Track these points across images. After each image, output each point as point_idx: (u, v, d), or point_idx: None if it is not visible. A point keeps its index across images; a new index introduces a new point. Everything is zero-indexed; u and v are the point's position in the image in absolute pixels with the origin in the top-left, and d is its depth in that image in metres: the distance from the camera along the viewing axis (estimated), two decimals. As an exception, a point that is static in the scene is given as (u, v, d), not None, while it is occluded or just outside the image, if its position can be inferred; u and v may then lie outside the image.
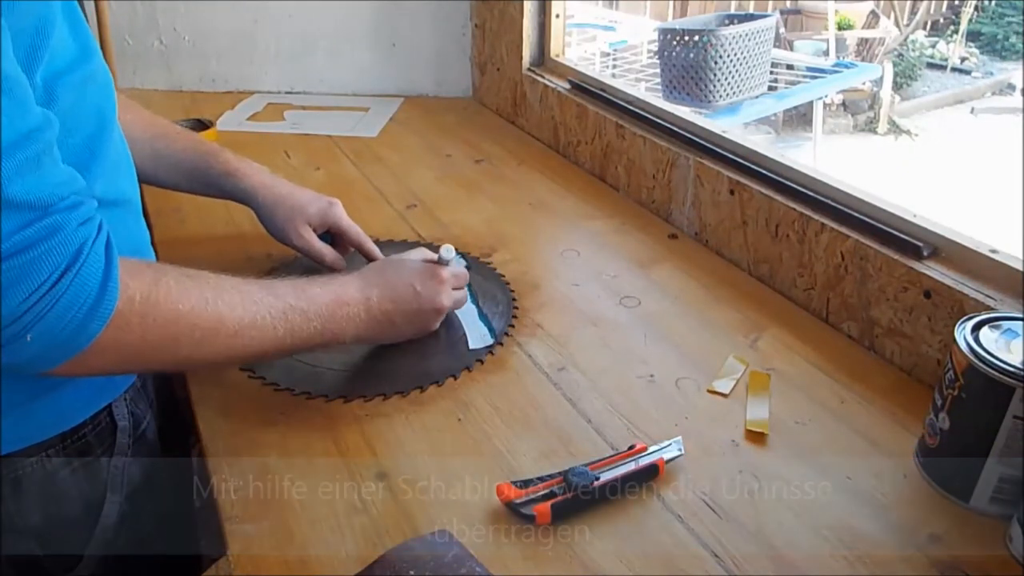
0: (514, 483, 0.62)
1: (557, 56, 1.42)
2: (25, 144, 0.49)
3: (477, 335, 0.83)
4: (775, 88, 3.27)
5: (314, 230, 0.88)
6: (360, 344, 0.78)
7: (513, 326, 0.86)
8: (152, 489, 0.73)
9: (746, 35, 2.83)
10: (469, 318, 0.86)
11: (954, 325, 0.64)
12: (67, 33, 0.58)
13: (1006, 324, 0.64)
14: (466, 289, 0.84)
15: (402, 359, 0.79)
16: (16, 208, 0.48)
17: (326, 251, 0.89)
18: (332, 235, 0.91)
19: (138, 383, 0.72)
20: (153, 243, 0.96)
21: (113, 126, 0.65)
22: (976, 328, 0.63)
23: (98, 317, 0.52)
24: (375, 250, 0.90)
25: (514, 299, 0.90)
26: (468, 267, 0.95)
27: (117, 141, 0.67)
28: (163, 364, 0.63)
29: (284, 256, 0.96)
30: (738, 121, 3.04)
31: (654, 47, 3.42)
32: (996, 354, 0.60)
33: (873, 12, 5.31)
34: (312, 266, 0.90)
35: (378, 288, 0.73)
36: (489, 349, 0.81)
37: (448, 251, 0.80)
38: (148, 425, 0.73)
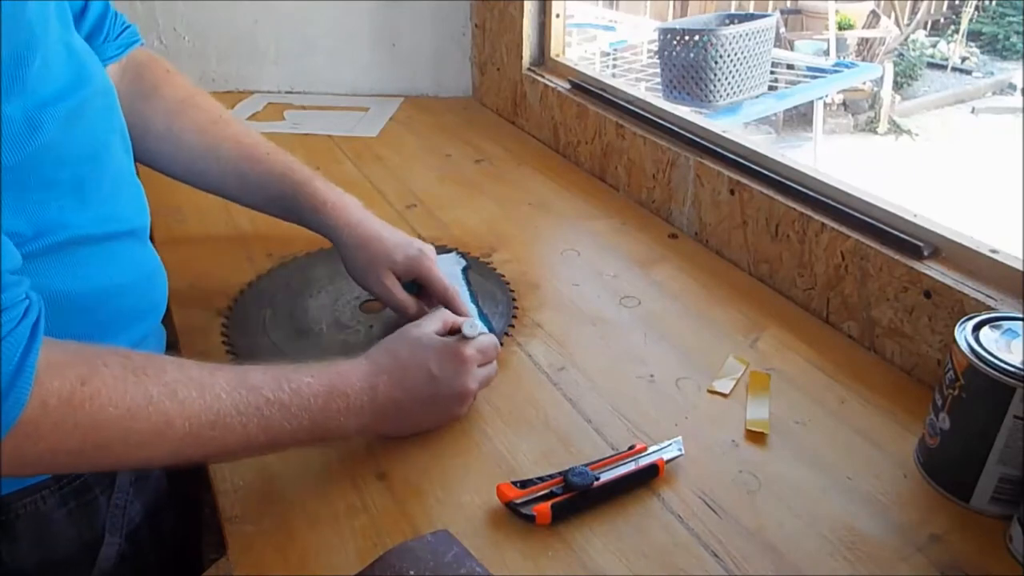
0: (514, 483, 0.62)
1: (557, 56, 1.42)
2: None
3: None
4: (775, 88, 3.27)
5: (399, 278, 0.79)
6: (366, 435, 0.68)
7: (513, 326, 0.86)
8: (156, 526, 0.69)
9: (746, 35, 2.83)
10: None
11: (954, 325, 0.64)
12: (60, 59, 0.54)
13: (1006, 324, 0.64)
14: (495, 363, 0.74)
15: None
16: None
17: (409, 303, 0.79)
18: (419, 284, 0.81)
19: None
20: (153, 243, 0.95)
21: (111, 153, 0.61)
22: (976, 328, 0.63)
23: None
24: (463, 307, 0.79)
25: (514, 299, 0.90)
26: (468, 267, 0.95)
27: (118, 167, 0.62)
28: (91, 468, 0.55)
29: (285, 255, 0.96)
30: (738, 121, 3.04)
31: (654, 47, 3.43)
32: (996, 354, 0.60)
33: (873, 12, 5.31)
34: (395, 318, 0.83)
35: (387, 374, 0.64)
36: (489, 349, 0.81)
37: (472, 327, 0.69)
38: None
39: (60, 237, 0.56)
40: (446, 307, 0.78)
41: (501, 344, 0.82)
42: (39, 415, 0.45)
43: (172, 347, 0.80)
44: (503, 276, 0.95)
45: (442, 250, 1.00)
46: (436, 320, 0.71)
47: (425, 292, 0.81)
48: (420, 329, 0.69)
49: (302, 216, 0.81)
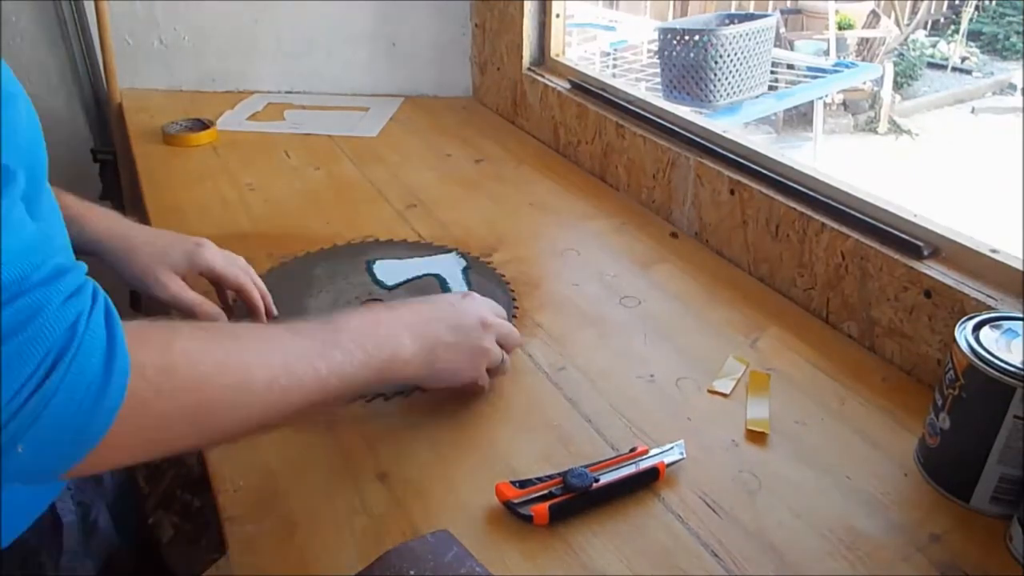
0: (513, 483, 0.62)
1: (557, 56, 1.42)
2: None
3: None
4: (775, 88, 3.27)
5: (183, 279, 0.75)
6: (417, 382, 0.68)
7: (513, 325, 0.86)
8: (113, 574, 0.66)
9: (746, 35, 2.83)
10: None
11: (954, 325, 0.64)
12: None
13: (1006, 324, 0.64)
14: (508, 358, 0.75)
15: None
16: None
17: (196, 301, 0.75)
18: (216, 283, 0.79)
19: None
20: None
21: (44, 183, 0.53)
22: (976, 328, 0.63)
23: (106, 406, 0.43)
24: (266, 294, 0.78)
25: (514, 299, 0.90)
26: (468, 267, 0.95)
27: (48, 202, 0.55)
28: (195, 441, 0.51)
29: (284, 255, 0.96)
30: (738, 121, 3.04)
31: (654, 47, 3.43)
32: (996, 354, 0.60)
33: (873, 12, 5.31)
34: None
35: (405, 306, 0.67)
36: (489, 349, 0.81)
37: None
38: (100, 514, 0.65)
39: None
40: (241, 298, 0.77)
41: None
42: (140, 386, 0.44)
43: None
44: (503, 276, 0.95)
45: (442, 250, 1.00)
46: None
47: (218, 288, 0.79)
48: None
49: (88, 246, 0.74)
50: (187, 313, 0.75)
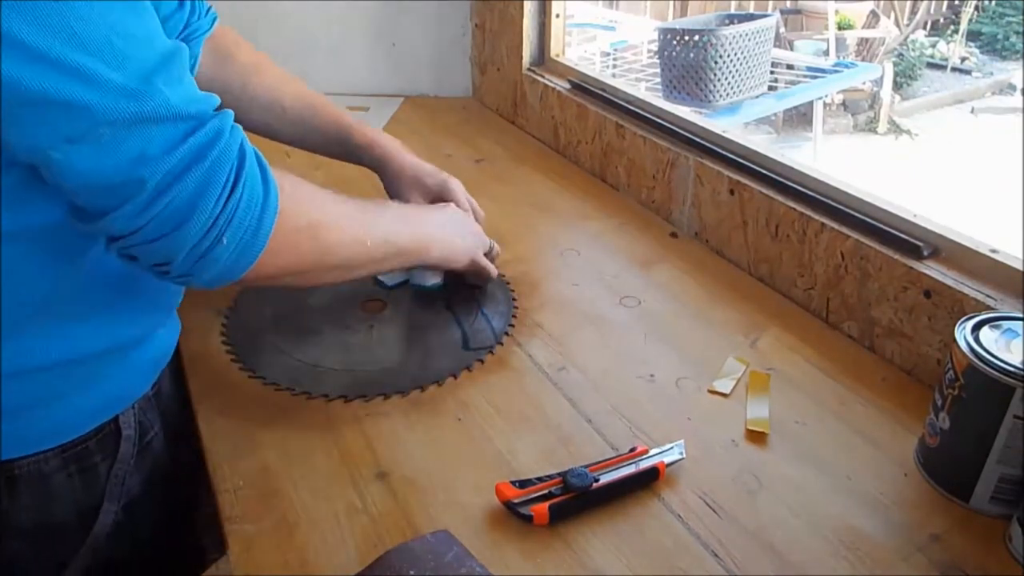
0: (513, 483, 0.62)
1: (557, 56, 1.42)
2: (172, 59, 0.51)
3: (477, 335, 0.83)
4: (775, 88, 3.28)
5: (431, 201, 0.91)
6: (440, 256, 0.81)
7: (513, 326, 0.86)
8: (152, 500, 0.71)
9: (746, 35, 2.83)
10: (469, 318, 0.86)
11: (954, 325, 0.64)
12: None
13: (1006, 324, 0.64)
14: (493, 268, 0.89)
15: (402, 358, 0.79)
16: (183, 118, 0.51)
17: None
18: None
19: (151, 392, 0.70)
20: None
21: None
22: (976, 328, 0.63)
23: (269, 211, 0.56)
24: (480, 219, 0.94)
25: (514, 299, 0.90)
26: None
27: None
28: (318, 258, 0.65)
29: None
30: (738, 121, 3.05)
31: (654, 47, 3.43)
32: (996, 354, 0.60)
33: (873, 12, 5.31)
34: None
35: (431, 212, 0.84)
36: (489, 349, 0.81)
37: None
38: (156, 435, 0.71)
39: None
40: None
41: (501, 344, 0.82)
42: (283, 201, 0.58)
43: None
44: (503, 276, 0.95)
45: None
46: None
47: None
48: None
49: (356, 154, 0.93)
50: None
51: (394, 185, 0.91)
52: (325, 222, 0.64)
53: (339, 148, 0.94)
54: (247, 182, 0.54)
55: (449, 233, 0.82)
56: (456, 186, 0.91)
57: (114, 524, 0.67)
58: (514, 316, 0.87)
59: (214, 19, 0.89)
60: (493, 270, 0.88)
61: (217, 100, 0.55)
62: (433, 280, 0.90)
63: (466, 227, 0.85)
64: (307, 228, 0.62)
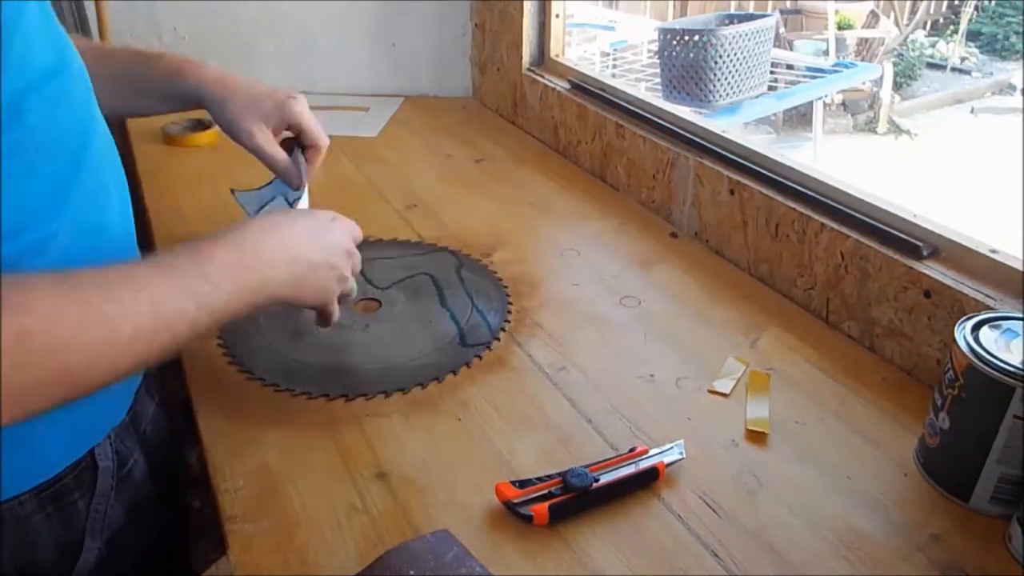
0: (513, 483, 0.62)
1: (557, 56, 1.42)
2: None
3: (474, 331, 0.83)
4: (775, 88, 3.27)
5: (273, 132, 0.78)
6: (283, 298, 0.63)
7: (508, 322, 0.86)
8: (136, 530, 0.68)
9: (746, 35, 2.83)
10: (465, 314, 0.86)
11: (954, 325, 0.64)
12: (40, 41, 0.52)
13: (1006, 324, 0.64)
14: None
15: (401, 357, 0.79)
16: None
17: (278, 156, 0.78)
18: (298, 144, 0.81)
19: (127, 418, 0.66)
20: (153, 243, 0.96)
21: (93, 144, 0.58)
22: (976, 328, 0.63)
23: None
24: (323, 144, 0.81)
25: (508, 295, 0.90)
26: (461, 266, 0.96)
27: (102, 159, 0.60)
28: (63, 397, 0.48)
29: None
30: (738, 121, 3.05)
31: (654, 47, 3.43)
32: (996, 354, 0.60)
33: (873, 12, 5.31)
34: None
35: (260, 223, 0.63)
36: (487, 345, 0.81)
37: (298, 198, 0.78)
38: (136, 463, 0.68)
39: (38, 235, 0.54)
40: (307, 156, 0.80)
41: (499, 339, 0.83)
42: None
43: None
44: (495, 272, 0.95)
45: (433, 249, 1.00)
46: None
47: (307, 152, 0.81)
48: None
49: (163, 88, 0.77)
50: (266, 165, 0.79)
51: (220, 115, 0.77)
52: (78, 359, 0.47)
53: (144, 91, 0.79)
54: None
55: (297, 281, 0.64)
56: (298, 106, 0.78)
57: (97, 560, 0.64)
58: (509, 313, 0.87)
59: None
60: (354, 292, 0.73)
61: None
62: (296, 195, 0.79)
63: (326, 268, 0.66)
64: (42, 375, 0.45)
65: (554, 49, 1.42)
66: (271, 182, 0.81)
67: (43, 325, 0.45)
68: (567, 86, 1.34)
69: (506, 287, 0.92)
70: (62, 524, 0.61)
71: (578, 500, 0.61)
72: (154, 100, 0.79)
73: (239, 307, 0.57)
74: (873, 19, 5.30)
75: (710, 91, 2.84)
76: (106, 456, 0.64)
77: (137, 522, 0.68)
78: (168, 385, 0.78)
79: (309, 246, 0.65)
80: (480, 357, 0.80)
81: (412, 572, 0.52)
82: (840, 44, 5.03)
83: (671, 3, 5.27)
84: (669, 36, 2.90)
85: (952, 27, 6.28)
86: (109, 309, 0.49)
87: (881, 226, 0.82)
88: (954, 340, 0.63)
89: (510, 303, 0.89)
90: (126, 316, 0.49)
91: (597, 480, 0.62)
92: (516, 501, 0.61)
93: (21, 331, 0.43)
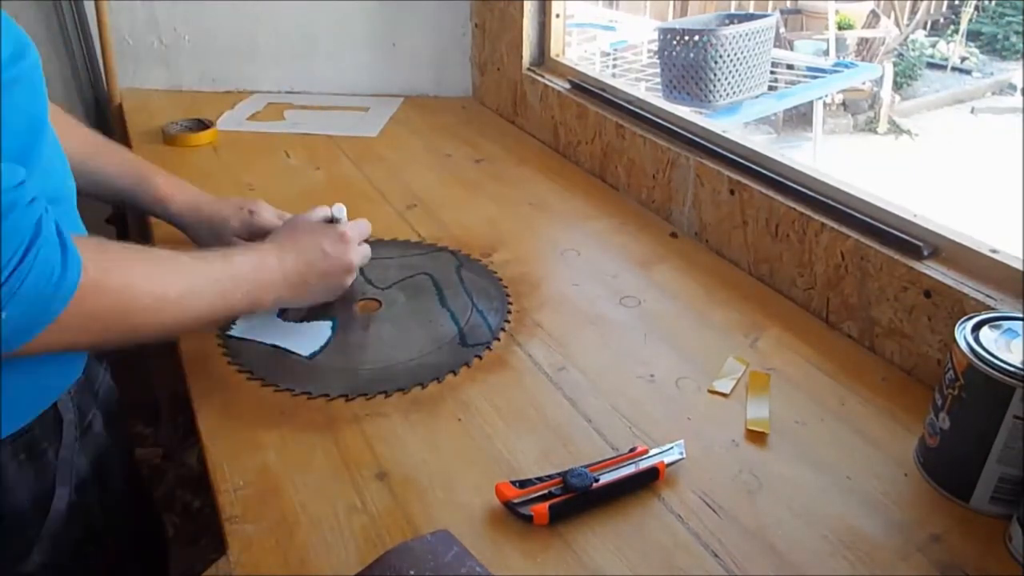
0: (513, 483, 0.62)
1: (557, 56, 1.42)
2: None
3: (474, 331, 0.83)
4: (775, 88, 3.27)
5: (244, 238, 0.90)
6: (279, 307, 0.83)
7: (508, 322, 0.86)
8: (100, 480, 0.73)
9: (746, 35, 2.83)
10: (465, 314, 0.86)
11: (954, 325, 0.64)
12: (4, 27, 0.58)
13: (1006, 324, 0.64)
14: (367, 248, 0.87)
15: (401, 357, 0.79)
16: None
17: None
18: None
19: (83, 377, 0.72)
20: (153, 243, 0.96)
21: (46, 127, 0.65)
22: (976, 328, 0.63)
23: (65, 288, 0.55)
24: None
25: (508, 295, 0.90)
26: (461, 266, 0.96)
27: (51, 141, 0.66)
28: (117, 335, 0.63)
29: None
30: (738, 121, 3.05)
31: (654, 47, 3.43)
32: (996, 354, 0.60)
33: (873, 12, 5.31)
34: None
35: (292, 253, 0.78)
36: (487, 345, 0.81)
37: (340, 210, 0.86)
38: (94, 417, 0.73)
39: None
40: None
41: (499, 339, 0.83)
42: (83, 279, 0.56)
43: (169, 344, 0.80)
44: (495, 272, 0.95)
45: (433, 249, 1.00)
46: (317, 213, 0.85)
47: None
48: (307, 218, 0.84)
49: (151, 210, 0.92)
50: None
51: (197, 239, 0.92)
52: (133, 297, 0.61)
53: (131, 203, 0.92)
54: (41, 256, 0.53)
55: (296, 297, 0.80)
56: (262, 213, 0.91)
57: (68, 507, 0.69)
58: (508, 312, 0.87)
59: None
60: (357, 292, 0.88)
61: (18, 175, 0.54)
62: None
63: (326, 285, 0.82)
64: (110, 307, 0.60)
65: (554, 49, 1.42)
66: None
67: (116, 268, 0.61)
68: (567, 86, 1.34)
69: (506, 287, 0.92)
70: (34, 472, 0.67)
71: (578, 500, 0.61)
72: (135, 209, 0.94)
73: (246, 307, 0.74)
74: (873, 19, 5.30)
75: (710, 91, 2.85)
76: (68, 409, 0.69)
77: (101, 472, 0.73)
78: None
79: (312, 275, 0.80)
80: (480, 357, 0.80)
81: (412, 572, 0.52)
82: (840, 44, 5.03)
83: (671, 3, 5.27)
84: (669, 36, 2.90)
85: (952, 27, 6.28)
86: (163, 274, 0.64)
87: (881, 226, 0.82)
88: (954, 340, 0.63)
89: (510, 303, 0.89)
90: (174, 284, 0.65)
91: (597, 480, 0.62)
92: (516, 501, 0.61)
93: (99, 267, 0.58)
